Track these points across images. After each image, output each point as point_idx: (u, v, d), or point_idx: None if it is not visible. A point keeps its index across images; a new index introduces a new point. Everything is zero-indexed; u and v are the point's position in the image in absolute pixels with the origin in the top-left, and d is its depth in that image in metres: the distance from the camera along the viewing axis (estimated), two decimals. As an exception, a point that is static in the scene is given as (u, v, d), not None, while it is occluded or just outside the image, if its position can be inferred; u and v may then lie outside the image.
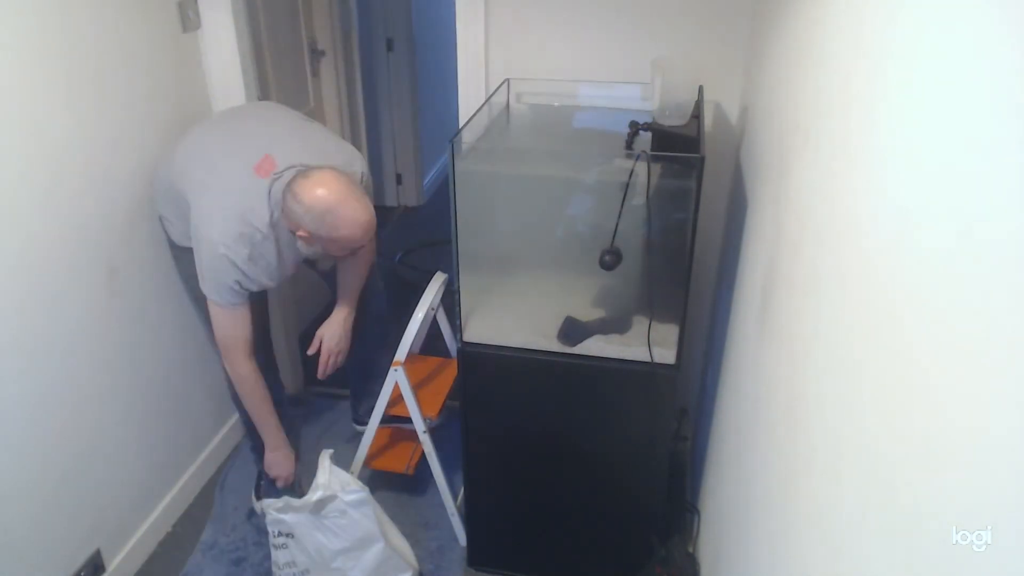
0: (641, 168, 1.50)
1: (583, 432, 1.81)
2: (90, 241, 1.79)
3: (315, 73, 3.10)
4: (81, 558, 1.85)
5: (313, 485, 1.81)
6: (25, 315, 1.62)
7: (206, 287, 1.77)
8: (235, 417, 2.54)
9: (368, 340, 2.26)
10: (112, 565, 1.96)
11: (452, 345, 2.28)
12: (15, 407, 1.62)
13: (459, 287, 1.73)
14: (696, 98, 1.73)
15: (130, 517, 2.05)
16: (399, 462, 2.17)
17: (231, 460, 2.48)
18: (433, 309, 2.09)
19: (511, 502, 1.98)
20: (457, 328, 1.78)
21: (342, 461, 2.14)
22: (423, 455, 2.11)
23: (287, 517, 1.82)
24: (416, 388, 2.02)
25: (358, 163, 1.89)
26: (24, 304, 1.62)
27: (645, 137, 1.70)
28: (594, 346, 1.73)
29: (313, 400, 2.80)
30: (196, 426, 2.34)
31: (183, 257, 1.92)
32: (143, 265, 1.99)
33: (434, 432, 2.10)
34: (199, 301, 1.89)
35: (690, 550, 1.84)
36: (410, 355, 2.03)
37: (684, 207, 1.56)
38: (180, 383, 2.22)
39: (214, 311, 1.81)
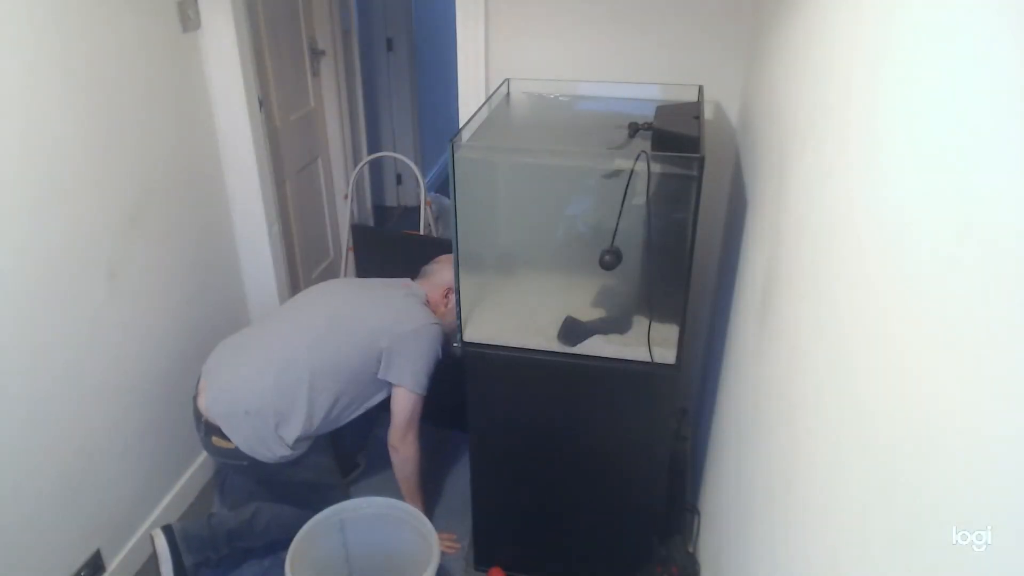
0: (641, 168, 1.50)
1: (583, 432, 1.81)
2: (90, 242, 1.79)
3: (315, 73, 3.10)
4: (81, 558, 1.85)
5: None
6: (25, 316, 1.62)
7: (412, 379, 1.98)
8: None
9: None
10: (112, 565, 1.96)
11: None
12: (15, 407, 1.62)
13: (459, 287, 1.73)
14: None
15: (130, 517, 2.05)
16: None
17: (231, 460, 2.48)
18: None
19: (512, 502, 1.98)
20: (457, 328, 1.78)
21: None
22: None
23: None
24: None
25: None
26: (24, 305, 1.61)
27: (645, 137, 1.70)
28: (594, 346, 1.73)
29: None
30: (196, 426, 2.34)
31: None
32: (143, 265, 1.99)
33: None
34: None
35: (690, 550, 1.84)
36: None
37: (684, 207, 1.56)
38: (180, 384, 2.22)
39: (408, 400, 2.00)
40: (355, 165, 3.42)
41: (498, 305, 1.91)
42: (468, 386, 1.82)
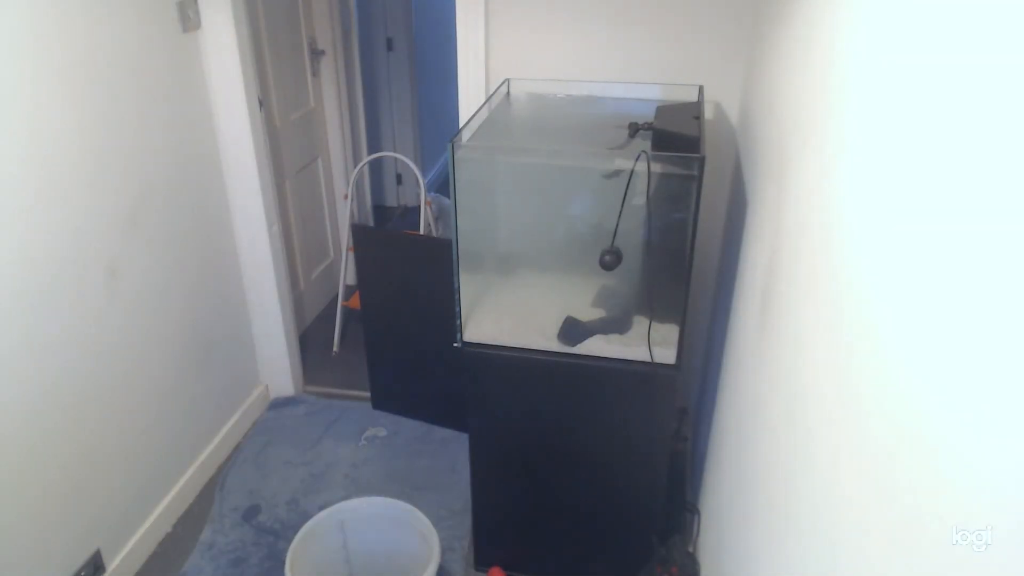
0: (641, 168, 1.50)
1: (583, 432, 1.80)
2: (90, 242, 1.79)
3: (315, 73, 3.11)
4: (81, 558, 1.85)
5: None
6: (25, 316, 1.62)
7: None
8: (235, 417, 2.54)
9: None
10: (112, 565, 1.96)
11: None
12: (15, 407, 1.62)
13: (459, 287, 1.73)
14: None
15: (130, 517, 2.05)
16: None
17: (231, 460, 2.48)
18: None
19: (512, 502, 1.98)
20: (457, 328, 1.78)
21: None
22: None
23: None
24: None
25: None
26: (24, 305, 1.62)
27: (645, 137, 1.70)
28: (594, 346, 1.73)
29: (313, 400, 2.80)
30: (196, 426, 2.34)
31: None
32: (143, 265, 1.99)
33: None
34: None
35: (690, 550, 1.84)
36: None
37: (684, 207, 1.57)
38: (180, 384, 2.22)
39: None
40: (355, 165, 3.42)
41: (498, 305, 1.91)
42: (468, 386, 1.82)
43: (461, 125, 1.84)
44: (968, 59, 0.56)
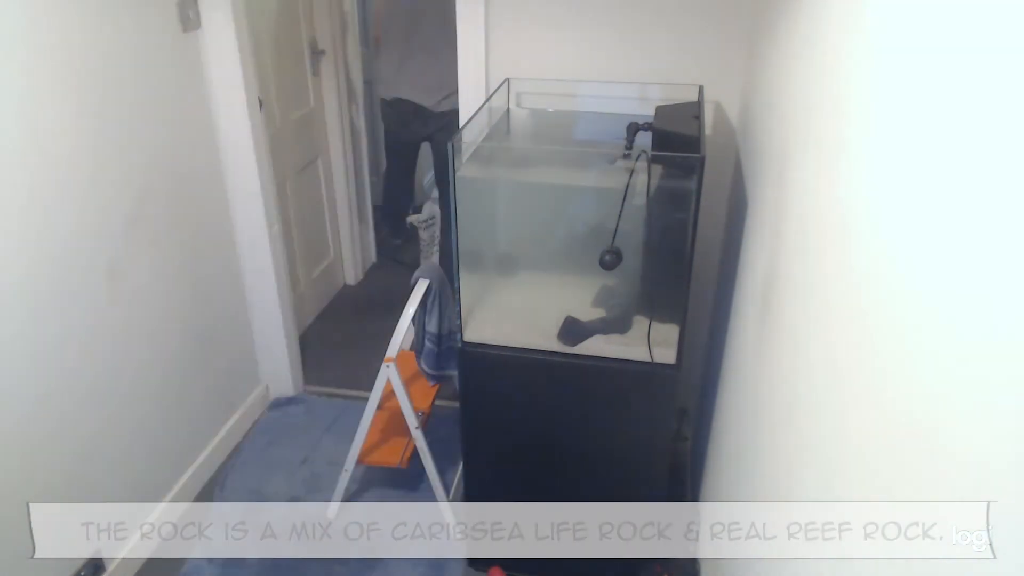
0: (641, 168, 1.50)
1: (583, 432, 1.80)
2: (90, 242, 1.79)
3: (315, 73, 3.10)
4: (81, 558, 1.86)
5: None
6: (25, 316, 1.62)
7: None
8: (235, 417, 2.54)
9: None
10: (112, 565, 1.96)
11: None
12: (16, 407, 1.62)
13: (459, 287, 1.73)
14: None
15: (130, 517, 2.05)
16: (392, 456, 2.15)
17: (231, 460, 2.48)
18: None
19: (510, 501, 1.98)
20: (457, 328, 1.78)
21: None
22: (416, 449, 2.10)
23: None
24: (407, 383, 2.02)
25: None
26: (24, 305, 1.62)
27: (645, 137, 1.70)
28: (594, 346, 1.73)
29: (313, 399, 2.80)
30: (196, 426, 2.34)
31: None
32: (143, 266, 1.99)
33: (425, 426, 2.10)
34: None
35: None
36: (401, 351, 2.03)
37: (684, 207, 1.57)
38: (180, 383, 2.22)
39: None
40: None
41: (498, 305, 1.91)
42: (465, 385, 1.82)
43: (461, 126, 1.84)
44: (974, 55, 0.56)
